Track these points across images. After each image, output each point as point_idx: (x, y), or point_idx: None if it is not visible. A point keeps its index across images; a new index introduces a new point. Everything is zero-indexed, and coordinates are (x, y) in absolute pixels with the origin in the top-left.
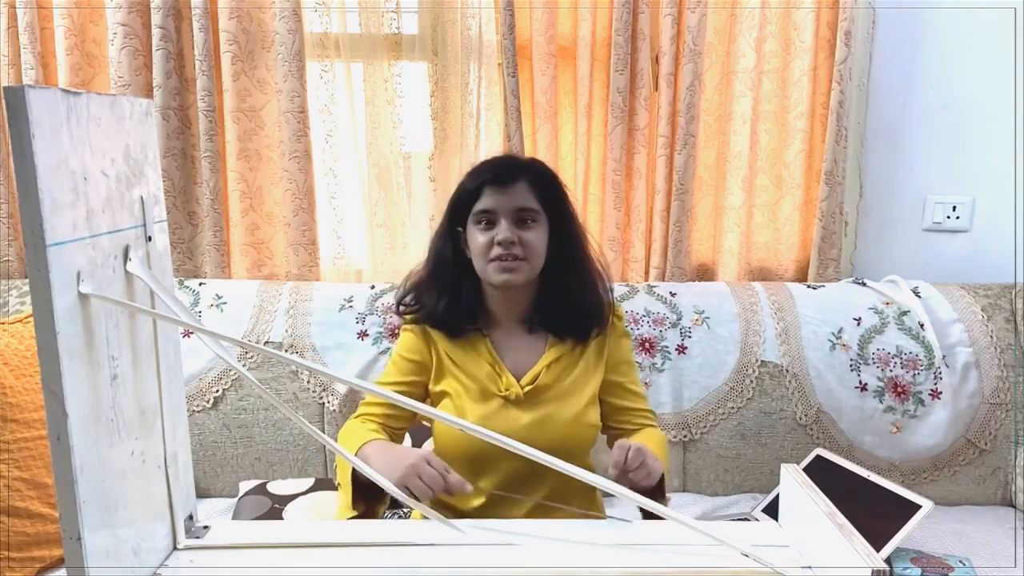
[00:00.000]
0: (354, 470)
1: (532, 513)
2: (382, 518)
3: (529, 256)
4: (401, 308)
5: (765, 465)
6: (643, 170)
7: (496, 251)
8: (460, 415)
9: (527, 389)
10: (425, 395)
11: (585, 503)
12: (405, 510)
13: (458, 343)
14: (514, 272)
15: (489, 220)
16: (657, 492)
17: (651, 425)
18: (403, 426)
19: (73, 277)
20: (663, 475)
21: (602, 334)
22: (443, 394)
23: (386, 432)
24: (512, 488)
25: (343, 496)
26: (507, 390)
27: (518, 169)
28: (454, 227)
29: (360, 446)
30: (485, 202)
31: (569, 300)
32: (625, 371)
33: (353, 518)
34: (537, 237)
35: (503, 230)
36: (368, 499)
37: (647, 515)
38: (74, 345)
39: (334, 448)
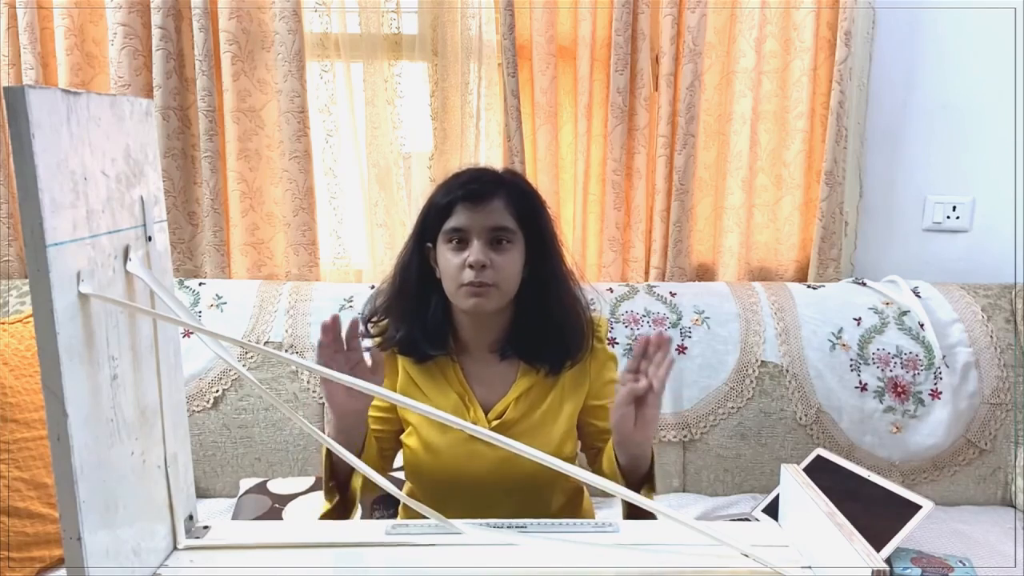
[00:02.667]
0: (329, 463)
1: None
2: (371, 517)
3: (501, 281)
4: (369, 327)
5: (765, 465)
6: (643, 170)
7: (467, 274)
8: (425, 447)
9: (494, 424)
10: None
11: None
12: (390, 510)
13: (426, 368)
14: (484, 298)
15: (461, 239)
16: (644, 485)
17: None
18: (393, 446)
19: (73, 277)
20: (651, 470)
21: (577, 364)
22: (407, 423)
23: (381, 452)
24: (478, 517)
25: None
26: (474, 424)
27: (494, 185)
28: (423, 242)
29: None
30: (457, 220)
31: (544, 326)
32: (610, 392)
33: (327, 514)
34: (511, 260)
35: (475, 251)
36: (344, 494)
37: (632, 512)
38: (74, 345)
39: (337, 451)
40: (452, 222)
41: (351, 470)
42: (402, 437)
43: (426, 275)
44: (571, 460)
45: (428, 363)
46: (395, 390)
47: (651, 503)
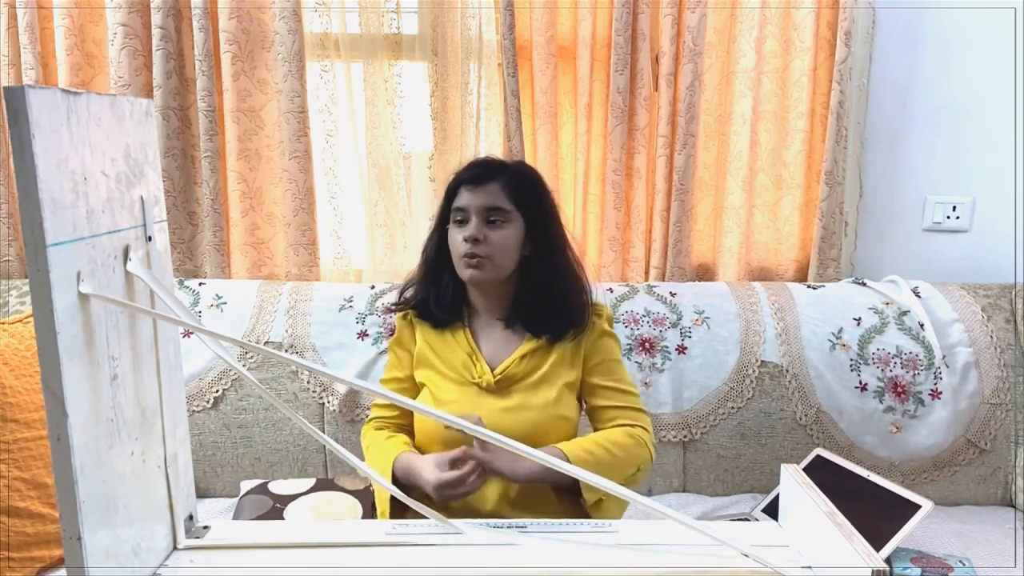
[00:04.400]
0: (394, 485)
1: (502, 500)
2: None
3: (493, 255)
4: (401, 297)
5: (765, 465)
6: (643, 170)
7: (464, 247)
8: (437, 402)
9: (498, 377)
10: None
11: (560, 506)
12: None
13: (440, 333)
14: (478, 269)
15: (463, 218)
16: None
17: (627, 425)
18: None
19: (73, 277)
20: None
21: (579, 335)
22: (422, 384)
23: (404, 431)
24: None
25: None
26: (480, 377)
27: (494, 170)
28: (443, 224)
29: (391, 466)
30: (459, 201)
31: (546, 298)
32: (610, 369)
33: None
34: (504, 237)
35: (471, 228)
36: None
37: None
38: (74, 345)
39: (337, 451)
40: (456, 203)
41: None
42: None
43: (443, 252)
44: (569, 422)
45: (443, 330)
46: (413, 357)
47: (645, 499)
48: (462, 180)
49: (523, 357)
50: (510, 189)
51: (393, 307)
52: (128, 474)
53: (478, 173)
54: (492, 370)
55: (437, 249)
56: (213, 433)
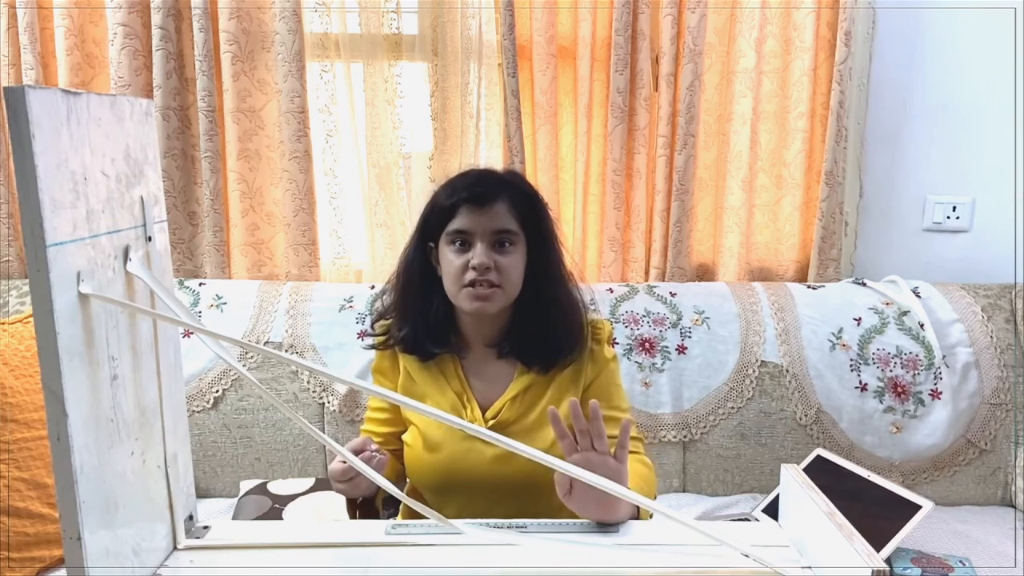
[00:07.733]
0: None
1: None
2: (379, 516)
3: (505, 283)
4: (375, 329)
5: (765, 465)
6: (643, 170)
7: (470, 276)
8: (425, 444)
9: (490, 423)
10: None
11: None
12: (391, 510)
13: (426, 366)
14: (488, 300)
15: (464, 241)
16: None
17: (634, 452)
18: (400, 447)
19: (73, 277)
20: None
21: (572, 363)
22: (408, 421)
23: (390, 452)
24: (477, 515)
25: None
26: (470, 423)
27: (497, 187)
28: (425, 242)
29: None
30: (460, 222)
31: (542, 326)
32: (613, 395)
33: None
34: (514, 262)
35: (479, 254)
36: (365, 509)
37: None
38: (74, 345)
39: (338, 451)
40: (455, 224)
41: (373, 497)
42: (404, 436)
43: (428, 274)
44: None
45: (429, 361)
46: (396, 389)
47: (653, 504)
48: (462, 199)
49: (515, 398)
50: (515, 208)
51: (374, 346)
52: (128, 474)
53: (481, 191)
54: (484, 412)
55: (421, 272)
56: (213, 433)
